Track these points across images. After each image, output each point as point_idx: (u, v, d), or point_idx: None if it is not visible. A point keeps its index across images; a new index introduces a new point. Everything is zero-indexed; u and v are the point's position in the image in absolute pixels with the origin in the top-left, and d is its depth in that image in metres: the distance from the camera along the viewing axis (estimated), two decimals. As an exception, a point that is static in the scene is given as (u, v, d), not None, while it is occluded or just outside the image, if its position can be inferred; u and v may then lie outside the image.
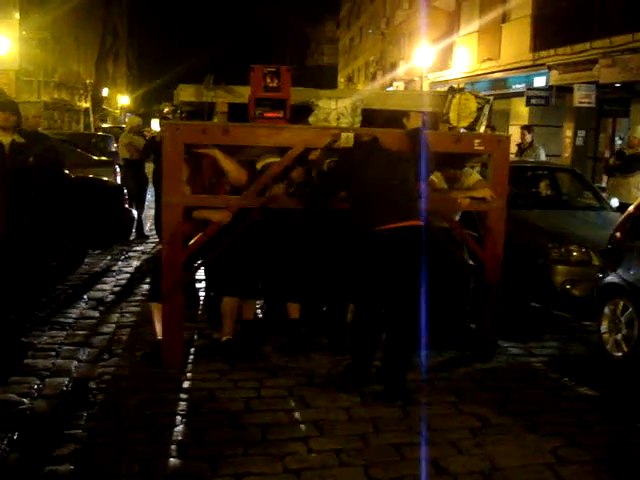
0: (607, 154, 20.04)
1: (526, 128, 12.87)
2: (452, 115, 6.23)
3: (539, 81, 20.65)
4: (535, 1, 21.24)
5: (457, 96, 6.26)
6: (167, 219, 5.64)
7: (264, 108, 5.81)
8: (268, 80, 5.79)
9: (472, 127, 6.28)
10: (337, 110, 5.94)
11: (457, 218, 6.53)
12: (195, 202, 5.75)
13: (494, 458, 4.25)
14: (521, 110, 21.78)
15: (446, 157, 6.22)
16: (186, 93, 6.14)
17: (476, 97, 6.35)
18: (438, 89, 6.14)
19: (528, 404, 5.08)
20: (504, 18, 23.78)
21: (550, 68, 20.06)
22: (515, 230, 7.64)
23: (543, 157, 12.39)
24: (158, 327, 5.80)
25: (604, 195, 9.98)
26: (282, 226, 6.12)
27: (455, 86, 6.67)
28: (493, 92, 22.15)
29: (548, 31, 20.11)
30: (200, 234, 5.70)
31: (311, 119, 5.97)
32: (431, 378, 5.49)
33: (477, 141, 6.11)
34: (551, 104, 20.21)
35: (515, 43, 22.35)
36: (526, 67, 21.44)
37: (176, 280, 5.65)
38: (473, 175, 6.64)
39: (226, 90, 6.05)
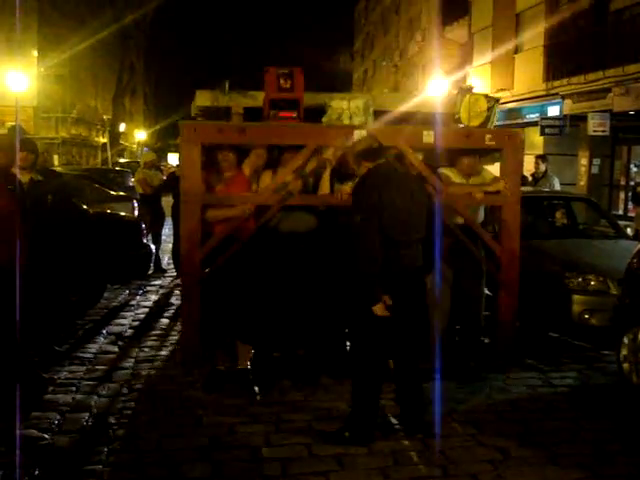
0: (623, 182, 20.06)
1: (540, 157, 12.90)
2: (463, 115, 6.39)
3: (553, 110, 20.69)
4: (547, 31, 21.35)
5: (467, 96, 6.40)
6: (186, 217, 5.82)
7: (278, 108, 6.01)
8: (282, 81, 6.02)
9: (484, 126, 6.41)
10: (349, 110, 6.09)
11: (480, 219, 6.54)
12: (212, 200, 5.88)
13: (515, 491, 4.23)
14: (536, 139, 21.81)
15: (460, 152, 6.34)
16: (202, 98, 6.36)
17: (485, 97, 6.49)
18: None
19: (548, 435, 5.04)
20: (517, 49, 23.91)
21: (564, 97, 20.11)
22: (532, 260, 7.67)
23: (557, 186, 12.39)
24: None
25: (630, 224, 9.96)
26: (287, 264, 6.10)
27: (464, 86, 6.84)
28: (507, 122, 22.23)
29: (561, 61, 20.20)
30: (220, 229, 5.82)
31: (324, 119, 6.15)
32: (450, 410, 5.47)
33: (488, 136, 6.26)
34: (565, 133, 20.22)
35: (528, 73, 22.44)
36: (540, 97, 21.51)
37: (195, 277, 5.76)
38: (487, 172, 6.71)
39: (241, 94, 6.26)
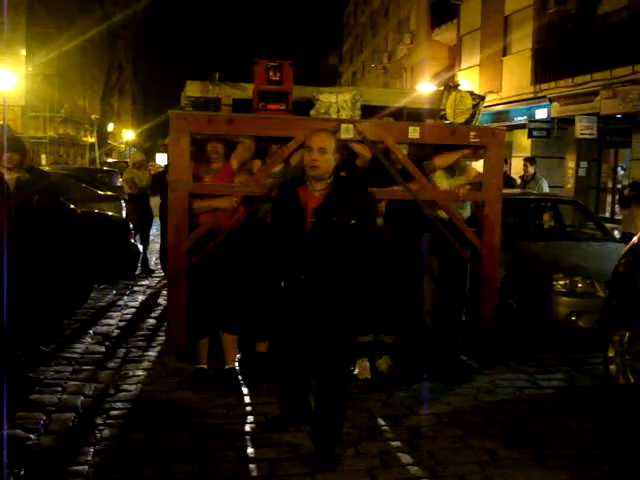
0: (610, 184, 20.17)
1: (529, 160, 12.95)
2: (449, 111, 6.46)
3: (541, 113, 20.78)
4: (535, 34, 21.45)
5: (453, 93, 6.47)
6: (173, 205, 5.86)
7: (267, 100, 6.08)
8: (271, 74, 6.11)
9: (468, 123, 6.49)
10: (337, 104, 6.18)
11: (467, 215, 6.60)
12: (200, 189, 5.91)
13: (502, 492, 4.24)
14: (523, 142, 21.91)
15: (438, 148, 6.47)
16: (192, 88, 6.44)
17: (471, 94, 6.57)
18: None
19: (535, 437, 5.06)
20: (505, 51, 24.01)
21: (551, 100, 20.20)
22: (519, 262, 7.70)
23: (546, 189, 12.45)
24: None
25: (617, 226, 10.02)
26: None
27: (450, 83, 6.92)
28: (495, 125, 22.31)
29: (549, 64, 20.30)
30: (206, 219, 5.88)
31: (312, 112, 6.25)
32: (437, 411, 5.48)
33: (472, 133, 6.35)
34: (553, 136, 20.33)
35: (516, 76, 22.54)
36: (527, 99, 21.60)
37: (181, 265, 5.77)
38: (472, 168, 6.77)
39: (231, 85, 6.33)
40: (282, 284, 4.64)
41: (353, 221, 4.34)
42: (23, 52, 36.73)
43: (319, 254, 4.36)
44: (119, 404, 5.48)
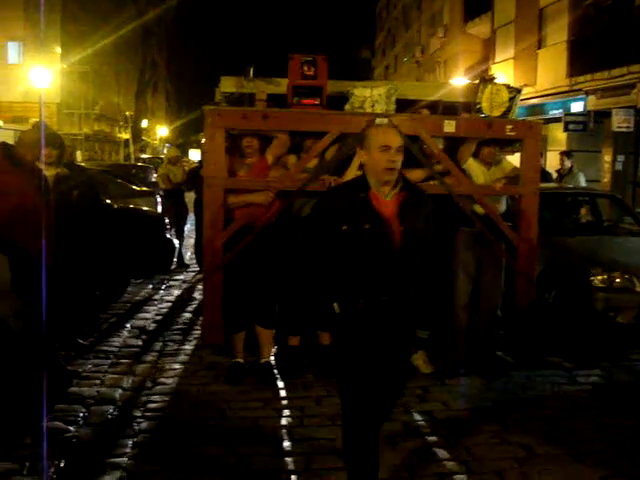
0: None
1: (565, 154, 12.79)
2: (485, 105, 6.41)
3: (576, 106, 20.53)
4: (571, 26, 21.19)
5: (489, 86, 6.43)
6: (208, 200, 5.91)
7: (302, 95, 6.09)
8: (305, 68, 6.11)
9: (505, 116, 6.43)
10: (372, 98, 6.16)
11: (502, 209, 6.54)
12: (235, 184, 5.94)
13: (540, 488, 4.20)
14: (559, 136, 21.66)
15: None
16: (227, 84, 6.46)
17: (507, 87, 6.51)
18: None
19: (573, 433, 5.00)
20: (540, 44, 23.74)
21: (587, 93, 19.94)
22: (556, 257, 7.62)
23: (583, 183, 12.28)
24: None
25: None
26: None
27: (486, 76, 6.86)
28: (530, 118, 22.09)
29: (585, 56, 20.03)
30: (241, 214, 5.91)
31: (347, 106, 6.22)
32: (474, 407, 5.45)
33: (509, 127, 6.30)
34: (589, 129, 20.07)
35: (551, 69, 22.28)
36: (563, 93, 21.34)
37: (216, 260, 5.79)
38: (509, 162, 6.72)
39: (265, 81, 6.34)
40: (338, 309, 3.72)
41: (424, 228, 3.83)
42: (58, 50, 37.11)
43: (404, 270, 3.71)
44: (157, 397, 5.54)
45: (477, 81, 6.85)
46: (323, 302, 4.01)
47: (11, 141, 6.48)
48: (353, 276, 3.67)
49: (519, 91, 6.59)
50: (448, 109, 6.78)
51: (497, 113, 6.45)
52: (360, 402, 3.65)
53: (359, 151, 3.85)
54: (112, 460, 4.42)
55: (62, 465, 4.33)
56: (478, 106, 6.46)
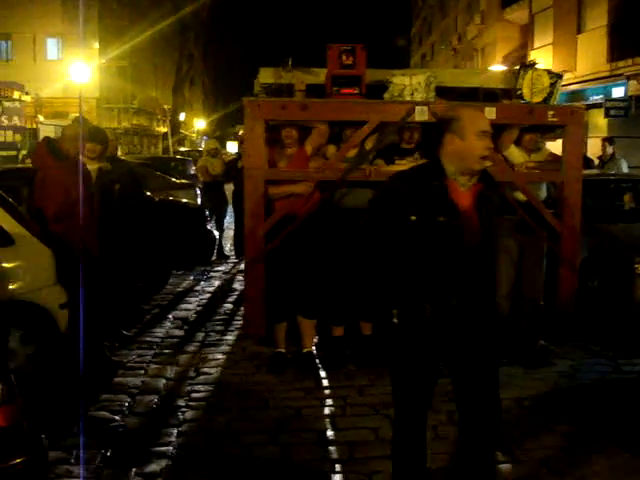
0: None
1: (607, 140, 12.59)
2: (525, 91, 6.35)
3: (617, 92, 20.17)
4: (611, 10, 20.81)
5: (529, 72, 6.36)
6: (249, 191, 5.93)
7: (340, 85, 6.08)
8: (344, 58, 6.10)
9: (546, 102, 6.36)
10: (411, 86, 6.12)
11: (542, 196, 6.48)
12: (276, 175, 5.96)
13: (586, 477, 4.15)
14: (599, 122, 21.32)
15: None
16: (266, 75, 6.48)
17: (548, 72, 6.43)
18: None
19: (618, 423, 4.94)
20: (579, 29, 23.36)
21: (628, 78, 19.58)
22: (599, 244, 7.52)
23: (625, 169, 12.08)
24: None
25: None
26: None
27: (527, 62, 6.78)
28: (570, 104, 21.78)
29: (625, 40, 19.67)
30: (281, 205, 5.93)
31: (386, 95, 6.20)
32: (517, 396, 5.40)
33: (551, 112, 6.23)
34: (631, 115, 19.72)
35: (591, 54, 21.92)
36: (603, 78, 20.99)
37: (258, 251, 5.82)
38: (546, 149, 6.71)
39: (303, 71, 6.34)
40: (396, 318, 3.36)
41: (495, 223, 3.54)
42: (96, 45, 37.57)
43: (478, 269, 3.36)
44: (200, 387, 5.59)
45: (517, 67, 6.77)
46: (381, 307, 3.74)
47: (52, 136, 6.59)
48: (419, 276, 3.25)
49: (560, 77, 6.51)
50: (488, 96, 6.71)
51: (538, 99, 6.37)
52: (413, 397, 3.46)
53: (449, 136, 3.32)
54: (157, 449, 4.48)
55: (109, 454, 4.40)
56: (519, 92, 6.39)
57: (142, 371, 5.93)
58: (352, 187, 6.02)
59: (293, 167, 5.99)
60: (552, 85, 6.38)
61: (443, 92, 6.45)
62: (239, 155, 12.08)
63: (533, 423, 4.91)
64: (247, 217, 6.11)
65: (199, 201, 13.16)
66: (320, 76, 6.38)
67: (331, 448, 4.50)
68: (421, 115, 5.93)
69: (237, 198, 11.05)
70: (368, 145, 6.11)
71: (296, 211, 5.92)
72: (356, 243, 3.60)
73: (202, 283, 9.67)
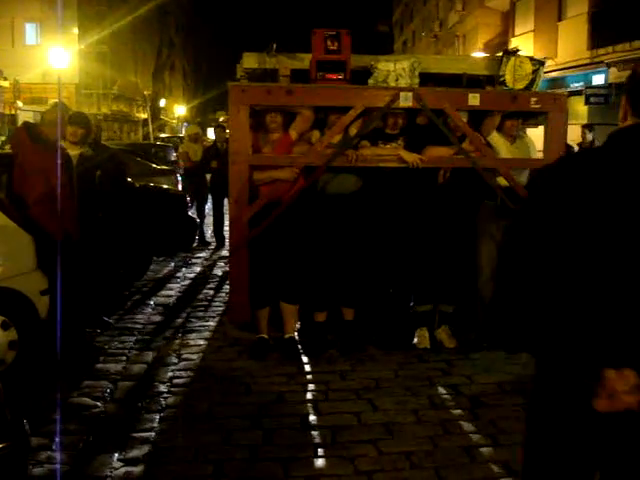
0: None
1: (587, 127, 12.72)
2: (508, 77, 6.37)
3: (598, 79, 20.28)
4: (591, -2, 20.90)
5: (512, 59, 6.38)
6: (234, 177, 5.92)
7: (325, 70, 6.07)
8: (329, 43, 6.08)
9: (528, 89, 6.39)
10: (395, 72, 6.11)
11: (524, 182, 6.52)
12: (260, 161, 5.94)
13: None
14: (580, 109, 21.42)
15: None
16: (249, 60, 6.43)
17: (530, 59, 6.46)
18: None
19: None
20: (560, 16, 23.43)
21: (609, 65, 19.68)
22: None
23: (605, 156, 12.15)
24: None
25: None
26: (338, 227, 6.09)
27: (510, 49, 6.80)
28: (550, 91, 21.85)
29: (606, 28, 19.75)
30: (266, 190, 5.93)
31: (370, 81, 6.19)
32: (498, 380, 5.44)
33: (534, 99, 6.25)
34: (611, 102, 19.82)
35: (572, 41, 22.00)
36: (584, 65, 21.10)
37: (241, 236, 5.82)
38: (529, 137, 6.74)
39: (288, 56, 6.31)
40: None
41: None
42: (75, 30, 37.10)
43: None
44: (182, 373, 5.58)
45: (500, 54, 6.78)
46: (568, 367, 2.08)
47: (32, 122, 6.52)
48: (621, 311, 1.96)
49: (542, 63, 6.52)
50: (472, 82, 6.72)
51: (520, 86, 6.39)
52: None
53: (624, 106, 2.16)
54: (139, 435, 4.46)
55: (90, 440, 4.38)
56: (502, 79, 6.40)
57: (123, 357, 5.91)
58: (337, 173, 6.02)
59: (277, 152, 5.97)
60: (534, 72, 6.40)
61: (427, 78, 6.45)
62: (214, 143, 12.02)
63: (514, 407, 4.93)
64: (231, 203, 6.09)
65: (179, 187, 13.11)
66: (305, 61, 6.34)
67: (314, 433, 4.51)
68: (405, 101, 5.92)
69: (215, 187, 11.05)
70: (352, 131, 6.10)
71: (280, 196, 5.91)
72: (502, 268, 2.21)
73: (183, 269, 9.65)
